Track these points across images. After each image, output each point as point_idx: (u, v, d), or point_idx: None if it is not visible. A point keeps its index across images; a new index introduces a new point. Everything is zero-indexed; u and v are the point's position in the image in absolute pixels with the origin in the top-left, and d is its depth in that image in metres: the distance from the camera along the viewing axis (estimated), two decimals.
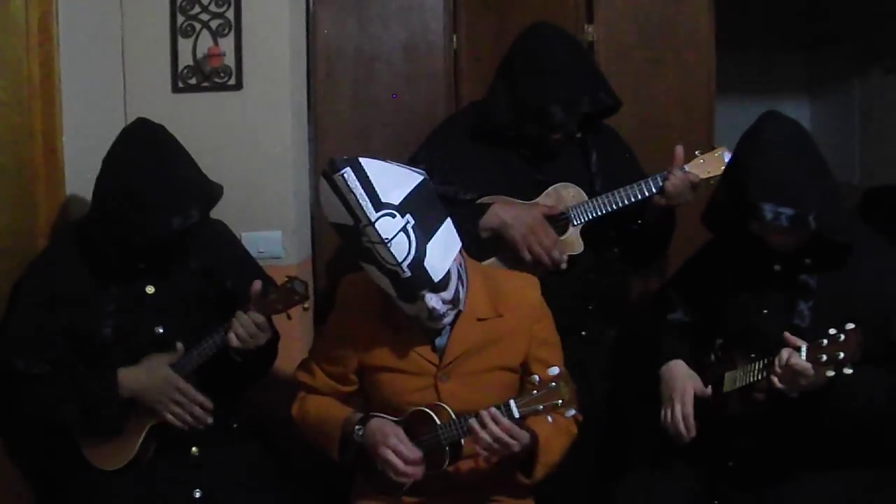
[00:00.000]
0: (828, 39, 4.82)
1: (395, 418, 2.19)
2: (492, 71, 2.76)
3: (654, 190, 2.57)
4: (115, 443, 2.35)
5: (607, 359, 2.77)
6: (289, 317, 2.33)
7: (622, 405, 2.77)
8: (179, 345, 2.33)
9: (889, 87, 4.41)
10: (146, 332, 2.36)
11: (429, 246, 2.01)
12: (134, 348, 2.34)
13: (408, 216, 2.00)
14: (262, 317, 2.27)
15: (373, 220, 1.97)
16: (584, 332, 2.71)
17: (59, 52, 2.60)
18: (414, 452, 2.13)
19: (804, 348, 2.01)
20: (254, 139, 2.96)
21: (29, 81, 2.54)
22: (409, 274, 2.00)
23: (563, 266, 2.58)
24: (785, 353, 2.03)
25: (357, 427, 2.18)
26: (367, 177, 1.97)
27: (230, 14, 2.93)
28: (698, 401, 2.24)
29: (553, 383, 2.04)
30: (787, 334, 2.05)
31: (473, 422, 2.06)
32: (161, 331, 2.36)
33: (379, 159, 2.05)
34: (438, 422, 2.13)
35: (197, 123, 2.90)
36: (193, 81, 2.95)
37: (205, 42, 2.94)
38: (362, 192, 1.96)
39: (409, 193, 2.02)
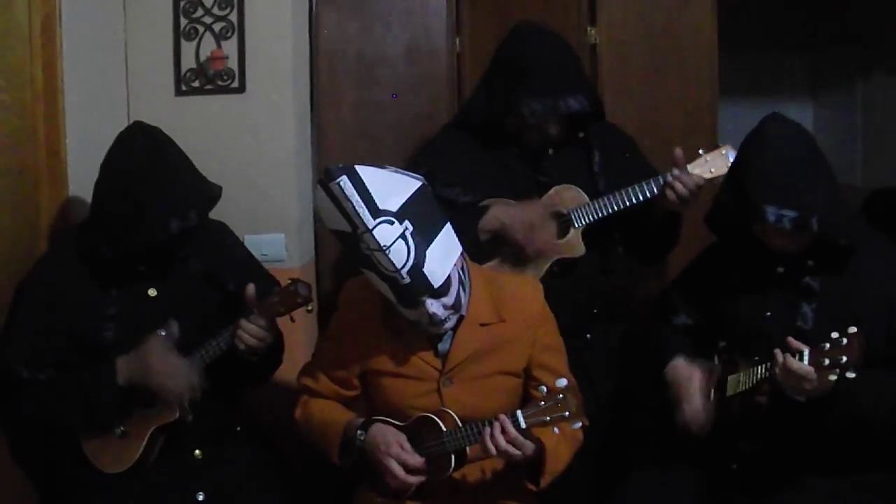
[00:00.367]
0: (831, 41, 4.82)
1: (398, 423, 2.19)
2: None
3: (655, 191, 2.56)
4: (119, 446, 2.35)
5: (611, 359, 2.77)
6: (292, 319, 2.33)
7: (625, 406, 2.77)
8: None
9: (892, 89, 4.40)
10: (148, 335, 2.36)
11: (428, 252, 2.01)
12: None
13: (406, 222, 1.99)
14: (264, 320, 2.28)
15: (370, 227, 1.96)
16: (588, 335, 2.71)
17: (62, 55, 2.61)
18: (416, 459, 2.13)
19: (807, 352, 2.00)
20: (257, 142, 2.97)
21: (32, 84, 2.54)
22: (408, 280, 2.00)
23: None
24: (780, 356, 2.03)
25: (359, 432, 2.18)
26: (364, 184, 1.96)
27: (233, 17, 2.93)
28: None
29: (561, 395, 2.03)
30: (789, 339, 2.05)
31: (480, 431, 2.07)
32: (163, 333, 2.36)
33: (377, 165, 2.05)
34: (444, 429, 2.13)
35: (200, 126, 2.91)
36: (196, 84, 2.95)
37: (208, 45, 2.94)
38: (359, 199, 1.96)
39: (407, 200, 2.01)
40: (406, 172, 2.13)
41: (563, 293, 2.49)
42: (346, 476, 2.35)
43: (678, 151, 2.57)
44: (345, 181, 1.95)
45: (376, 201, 1.97)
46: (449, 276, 2.05)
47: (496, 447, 2.04)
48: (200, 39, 2.94)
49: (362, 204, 1.96)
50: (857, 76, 4.69)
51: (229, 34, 2.94)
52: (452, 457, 2.14)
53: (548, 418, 2.03)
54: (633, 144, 2.83)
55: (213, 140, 2.91)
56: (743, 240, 2.25)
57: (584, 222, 2.60)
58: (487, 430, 2.06)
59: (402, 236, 1.98)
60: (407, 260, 1.98)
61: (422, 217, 2.03)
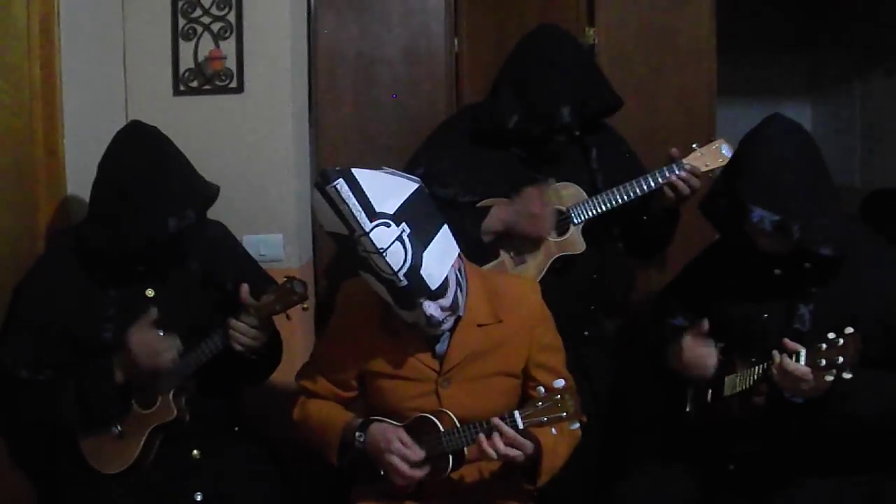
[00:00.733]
0: (829, 42, 4.82)
1: (397, 424, 2.18)
2: (493, 74, 2.76)
3: (653, 185, 2.59)
4: (117, 445, 2.35)
5: (609, 356, 2.78)
6: (288, 317, 2.33)
7: (623, 404, 2.78)
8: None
9: (890, 90, 4.40)
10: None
11: (425, 254, 2.00)
12: None
13: (403, 225, 1.99)
14: (256, 319, 2.28)
15: (367, 230, 1.96)
16: (586, 332, 2.72)
17: (61, 55, 2.60)
18: (417, 453, 2.13)
19: (803, 353, 2.01)
20: (255, 142, 2.97)
21: (30, 84, 2.54)
22: (405, 282, 1.99)
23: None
24: (777, 356, 2.03)
25: (358, 434, 2.18)
26: (360, 187, 1.96)
27: (231, 17, 2.93)
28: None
29: (558, 396, 2.04)
30: (785, 340, 2.05)
31: (478, 432, 2.07)
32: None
33: (374, 167, 2.05)
34: (442, 429, 2.13)
35: (198, 126, 2.91)
36: (195, 84, 2.95)
37: (206, 45, 2.94)
38: (356, 202, 1.95)
39: (404, 202, 2.01)
40: (402, 174, 2.13)
41: (563, 290, 2.51)
42: (343, 476, 2.35)
43: (674, 151, 2.59)
44: (341, 184, 1.95)
45: (373, 204, 1.97)
46: (446, 278, 2.05)
47: (495, 451, 2.04)
48: (199, 39, 2.94)
49: (359, 207, 1.96)
50: (855, 77, 4.69)
51: (227, 34, 2.94)
52: (450, 457, 2.14)
53: (545, 419, 2.04)
54: (626, 142, 2.85)
55: (211, 140, 2.91)
56: (735, 234, 2.25)
57: (583, 218, 2.62)
58: (483, 436, 2.05)
59: (399, 239, 1.98)
60: (404, 262, 1.98)
61: (419, 219, 2.03)
